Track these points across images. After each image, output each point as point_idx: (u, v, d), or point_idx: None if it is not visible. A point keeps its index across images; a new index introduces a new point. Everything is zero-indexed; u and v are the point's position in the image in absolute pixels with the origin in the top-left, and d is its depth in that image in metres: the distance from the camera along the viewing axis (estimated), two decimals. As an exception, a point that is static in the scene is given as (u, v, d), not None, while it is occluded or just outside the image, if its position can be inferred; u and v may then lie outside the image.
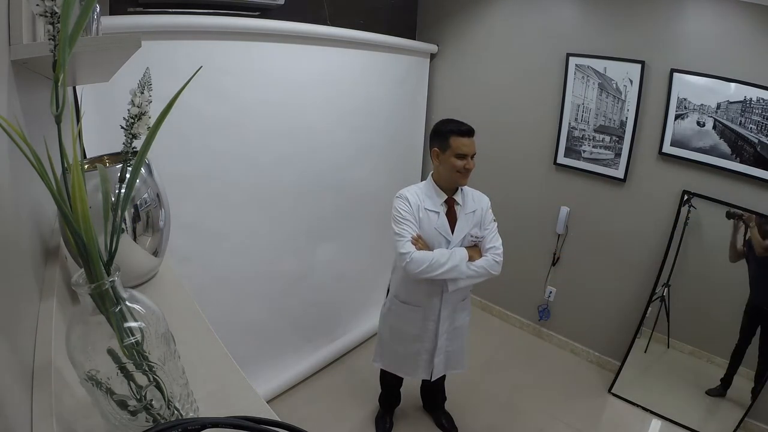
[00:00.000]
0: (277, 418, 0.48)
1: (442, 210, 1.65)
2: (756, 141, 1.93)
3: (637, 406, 2.32)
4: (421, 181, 1.76)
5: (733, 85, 1.93)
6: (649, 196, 2.29)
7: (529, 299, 2.90)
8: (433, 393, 2.19)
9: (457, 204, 1.67)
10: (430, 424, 2.19)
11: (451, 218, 1.66)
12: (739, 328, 2.08)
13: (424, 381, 2.09)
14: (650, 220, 2.30)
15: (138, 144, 0.48)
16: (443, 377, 2.07)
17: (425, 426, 2.19)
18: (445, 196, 1.66)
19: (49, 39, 0.42)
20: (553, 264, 2.73)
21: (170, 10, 1.68)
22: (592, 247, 2.56)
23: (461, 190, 1.69)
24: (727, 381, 2.15)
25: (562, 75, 2.41)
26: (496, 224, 1.69)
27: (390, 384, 2.12)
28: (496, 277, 1.66)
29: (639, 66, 2.14)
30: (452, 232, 1.64)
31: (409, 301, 1.76)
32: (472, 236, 1.66)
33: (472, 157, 1.60)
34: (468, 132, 1.58)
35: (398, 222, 1.61)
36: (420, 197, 1.65)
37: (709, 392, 2.21)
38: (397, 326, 1.83)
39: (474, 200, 1.70)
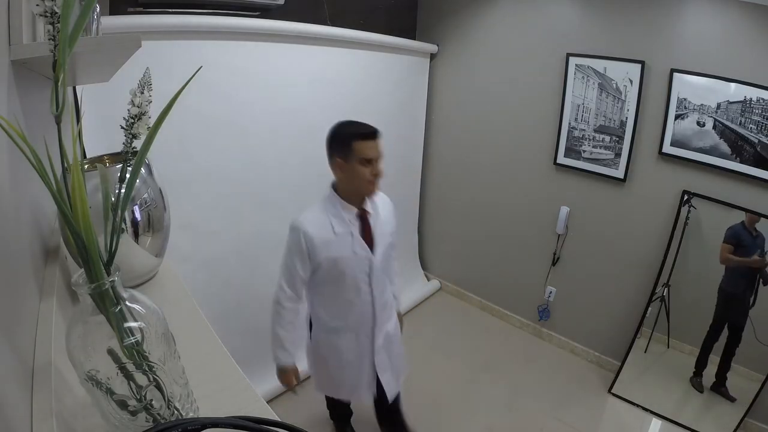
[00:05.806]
0: (277, 418, 0.48)
1: (356, 228, 1.44)
2: (756, 141, 1.93)
3: (637, 406, 2.32)
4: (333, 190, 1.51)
5: (733, 85, 1.93)
6: (649, 196, 2.29)
7: (529, 299, 2.90)
8: (392, 416, 1.89)
9: (369, 213, 1.48)
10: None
11: (367, 233, 1.47)
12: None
13: (376, 405, 1.83)
14: (650, 220, 2.30)
15: (138, 144, 0.48)
16: (397, 398, 1.83)
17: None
18: (355, 210, 1.45)
19: (49, 39, 0.42)
20: (553, 264, 2.73)
21: (170, 10, 1.68)
22: (592, 247, 2.56)
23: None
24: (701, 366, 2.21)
25: (562, 75, 2.41)
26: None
27: (336, 404, 1.99)
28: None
29: (639, 66, 2.14)
30: (372, 250, 1.46)
31: (339, 327, 1.55)
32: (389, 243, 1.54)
33: (379, 162, 1.39)
34: (372, 134, 1.37)
35: (286, 254, 1.46)
36: (323, 223, 1.42)
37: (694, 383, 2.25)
38: (330, 356, 1.61)
39: (382, 203, 1.54)
